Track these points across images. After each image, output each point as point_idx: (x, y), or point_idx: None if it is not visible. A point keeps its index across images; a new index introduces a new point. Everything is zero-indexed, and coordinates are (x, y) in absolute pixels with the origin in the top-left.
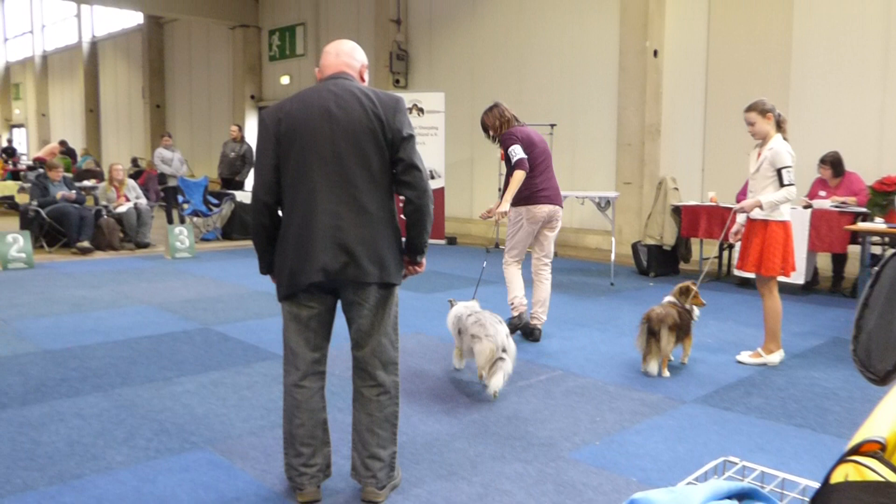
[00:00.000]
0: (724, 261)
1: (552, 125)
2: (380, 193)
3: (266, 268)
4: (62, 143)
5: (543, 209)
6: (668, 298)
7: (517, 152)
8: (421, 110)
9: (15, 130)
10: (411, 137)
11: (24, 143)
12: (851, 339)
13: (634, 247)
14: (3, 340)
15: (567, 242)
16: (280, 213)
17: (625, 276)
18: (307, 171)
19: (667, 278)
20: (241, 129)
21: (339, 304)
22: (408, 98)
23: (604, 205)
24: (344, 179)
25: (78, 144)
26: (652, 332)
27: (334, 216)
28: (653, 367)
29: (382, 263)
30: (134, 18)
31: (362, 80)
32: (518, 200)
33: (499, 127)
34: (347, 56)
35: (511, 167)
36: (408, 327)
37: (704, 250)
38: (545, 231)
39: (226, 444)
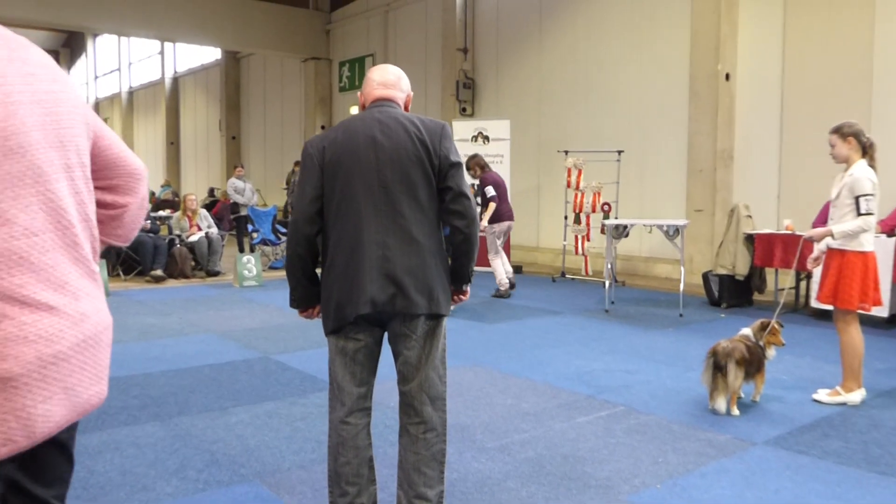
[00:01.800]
0: (802, 291)
1: (619, 152)
2: (427, 222)
3: (297, 301)
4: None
5: (506, 224)
6: (744, 332)
7: (490, 192)
8: (486, 138)
9: None
10: (459, 165)
11: None
12: None
13: (705, 276)
14: None
15: (636, 271)
16: (319, 244)
17: (695, 308)
18: (353, 201)
19: (740, 310)
20: None
21: (385, 336)
22: (473, 126)
23: (672, 233)
24: (391, 209)
25: (160, 176)
26: (718, 367)
27: (381, 246)
28: (720, 404)
29: (431, 294)
30: (212, 54)
31: (406, 109)
32: (492, 219)
33: (478, 170)
34: (393, 84)
35: (486, 200)
36: (466, 359)
37: (780, 280)
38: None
39: (275, 478)
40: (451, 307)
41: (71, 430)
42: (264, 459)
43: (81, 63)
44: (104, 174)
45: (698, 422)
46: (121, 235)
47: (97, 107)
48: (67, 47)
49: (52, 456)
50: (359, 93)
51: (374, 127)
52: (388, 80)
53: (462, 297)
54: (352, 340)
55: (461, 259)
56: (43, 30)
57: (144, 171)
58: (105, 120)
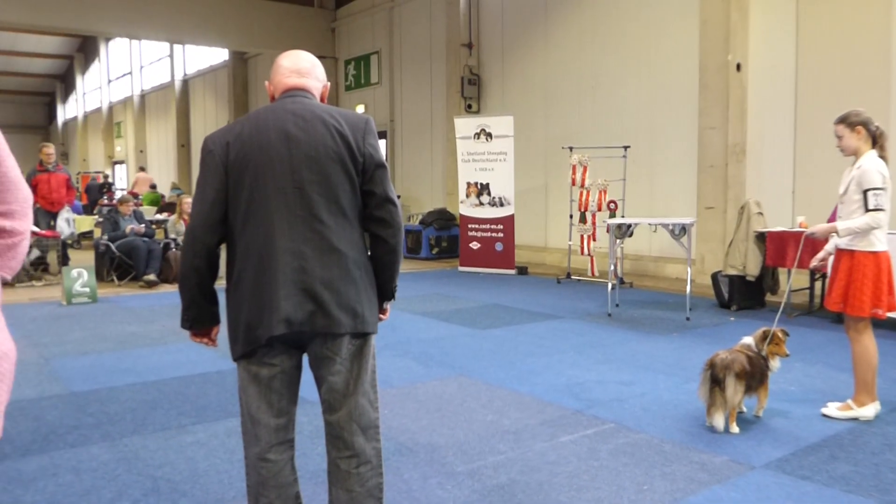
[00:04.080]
0: (817, 292)
1: (626, 147)
2: (350, 229)
3: (190, 322)
4: (152, 186)
5: None
6: (745, 341)
7: None
8: (489, 135)
9: (117, 167)
10: (384, 166)
11: (125, 179)
12: None
13: (714, 277)
14: (35, 381)
15: (645, 272)
16: (220, 255)
17: (703, 310)
18: (263, 205)
19: (751, 312)
20: None
21: (305, 359)
22: (475, 123)
23: (678, 232)
24: (307, 213)
25: (171, 178)
26: (716, 381)
27: (297, 257)
28: (718, 420)
29: (355, 310)
30: (220, 55)
31: (323, 101)
32: None
33: None
34: (307, 72)
35: None
36: (452, 369)
37: (794, 281)
38: None
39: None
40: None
41: None
42: (209, 487)
43: (95, 68)
44: (2, 197)
45: (693, 441)
46: (13, 267)
47: (111, 111)
48: (81, 52)
49: None
50: (266, 83)
51: (286, 120)
52: (302, 67)
53: (381, 315)
54: (266, 366)
55: (386, 272)
56: (57, 35)
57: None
58: (118, 124)
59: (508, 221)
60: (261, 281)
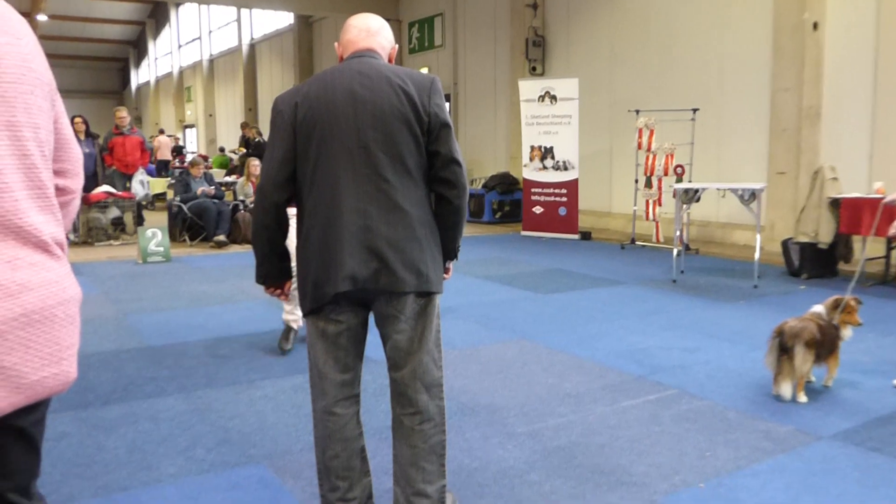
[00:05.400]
0: (893, 261)
1: (695, 110)
2: (414, 188)
3: (263, 277)
4: (220, 148)
5: None
6: (816, 309)
7: None
8: (554, 98)
9: (187, 131)
10: (449, 126)
11: (195, 143)
12: None
13: (785, 244)
14: (114, 335)
15: (712, 238)
16: (290, 213)
17: (772, 278)
18: (329, 164)
19: (822, 281)
20: None
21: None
22: (540, 85)
23: (748, 197)
24: (373, 172)
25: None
26: (784, 349)
27: (362, 215)
28: (785, 389)
29: (419, 269)
30: (286, 19)
31: (391, 62)
32: None
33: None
34: (376, 32)
35: None
36: (513, 333)
37: (868, 249)
38: None
39: (283, 461)
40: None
41: (31, 416)
42: (277, 439)
43: (166, 33)
44: (57, 155)
45: (758, 409)
46: (66, 225)
47: (181, 75)
48: (153, 18)
49: (8, 445)
50: (335, 44)
51: (353, 79)
52: (370, 28)
53: (444, 275)
54: (333, 322)
55: (448, 233)
56: (129, 1)
57: (81, 156)
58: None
59: (572, 186)
60: (327, 239)
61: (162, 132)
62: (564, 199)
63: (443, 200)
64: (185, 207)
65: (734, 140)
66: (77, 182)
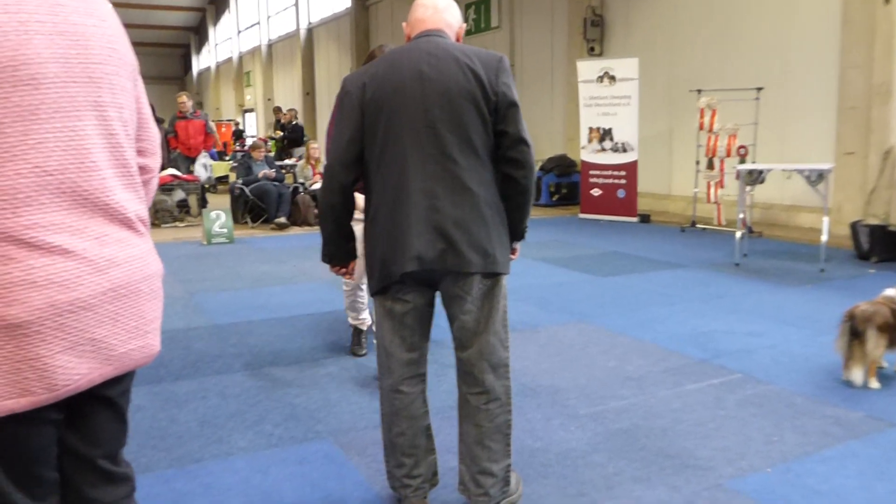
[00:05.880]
0: None
1: (759, 89)
2: (481, 168)
3: (328, 256)
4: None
5: None
6: (888, 293)
7: None
8: (612, 78)
9: (247, 115)
10: (517, 105)
11: (255, 127)
12: None
13: (854, 227)
14: (182, 313)
15: (776, 221)
16: (356, 193)
17: (840, 262)
18: (397, 144)
19: (892, 264)
20: None
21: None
22: (598, 66)
23: (815, 178)
24: (439, 153)
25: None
26: (855, 333)
27: (429, 195)
28: (856, 375)
29: (486, 250)
30: (343, 3)
31: (458, 41)
32: None
33: None
34: (443, 10)
35: None
36: (572, 315)
37: None
38: None
39: (347, 437)
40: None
41: (118, 386)
42: (341, 416)
43: (226, 19)
44: (137, 135)
45: (827, 395)
46: (146, 203)
47: (240, 61)
48: (213, 4)
49: (99, 413)
50: (403, 24)
51: (420, 59)
52: (438, 5)
53: (511, 256)
54: (399, 302)
55: (516, 213)
56: None
57: (159, 136)
58: (248, 73)
59: (631, 168)
60: (395, 219)
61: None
62: (623, 181)
63: (510, 181)
64: (246, 190)
65: (799, 119)
66: (155, 161)
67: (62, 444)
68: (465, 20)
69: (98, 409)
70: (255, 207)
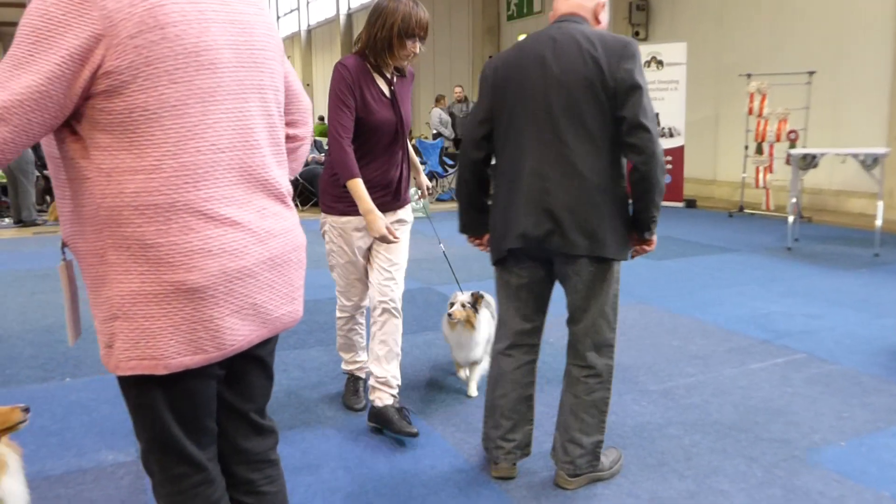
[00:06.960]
0: None
1: (810, 73)
2: (595, 154)
3: (463, 227)
4: (320, 117)
5: None
6: None
7: None
8: (660, 63)
9: None
10: (639, 89)
11: None
12: None
13: None
14: None
15: (825, 206)
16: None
17: (894, 246)
18: (517, 128)
19: None
20: (463, 88)
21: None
22: (646, 51)
23: (870, 163)
24: (554, 137)
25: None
26: None
27: (541, 178)
28: None
29: (594, 234)
30: None
31: (597, 21)
32: None
33: None
34: None
35: None
36: (632, 297)
37: None
38: None
39: (429, 408)
40: (634, 256)
41: (267, 347)
42: (420, 389)
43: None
44: (287, 108)
45: (893, 375)
46: (294, 169)
47: None
48: None
49: (252, 371)
50: (550, 14)
51: (545, 45)
52: None
53: (645, 246)
54: (514, 275)
55: (639, 202)
56: None
57: (311, 106)
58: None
59: (678, 153)
60: (510, 198)
61: None
62: (670, 166)
63: (633, 168)
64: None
65: (852, 103)
66: (306, 130)
67: (220, 400)
68: (508, 5)
69: (251, 367)
70: (304, 191)
